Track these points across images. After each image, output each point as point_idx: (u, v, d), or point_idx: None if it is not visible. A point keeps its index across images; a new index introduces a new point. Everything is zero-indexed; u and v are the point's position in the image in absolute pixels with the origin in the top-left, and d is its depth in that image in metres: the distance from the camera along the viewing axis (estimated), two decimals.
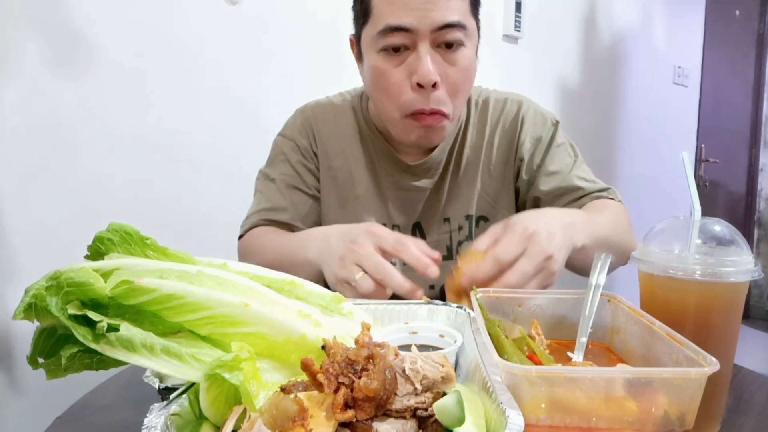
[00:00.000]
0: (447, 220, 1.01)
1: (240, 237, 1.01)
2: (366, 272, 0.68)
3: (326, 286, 0.98)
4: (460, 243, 1.01)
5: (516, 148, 1.00)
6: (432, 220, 1.01)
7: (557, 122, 1.02)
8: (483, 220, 1.02)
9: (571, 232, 0.74)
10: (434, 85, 0.84)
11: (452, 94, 0.87)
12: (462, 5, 0.84)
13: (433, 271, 0.70)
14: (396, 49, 0.84)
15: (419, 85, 0.84)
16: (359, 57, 0.93)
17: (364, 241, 0.71)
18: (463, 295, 0.68)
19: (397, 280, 0.68)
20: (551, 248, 0.68)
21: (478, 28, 0.91)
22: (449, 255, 1.01)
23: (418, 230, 1.02)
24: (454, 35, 0.83)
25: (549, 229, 0.70)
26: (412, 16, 0.81)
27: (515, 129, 1.00)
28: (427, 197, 1.01)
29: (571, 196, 0.96)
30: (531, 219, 0.71)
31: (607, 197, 0.95)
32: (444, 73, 0.85)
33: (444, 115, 0.88)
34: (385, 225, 1.00)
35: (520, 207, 1.03)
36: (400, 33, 0.82)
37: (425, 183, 1.00)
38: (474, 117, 1.02)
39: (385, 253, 0.70)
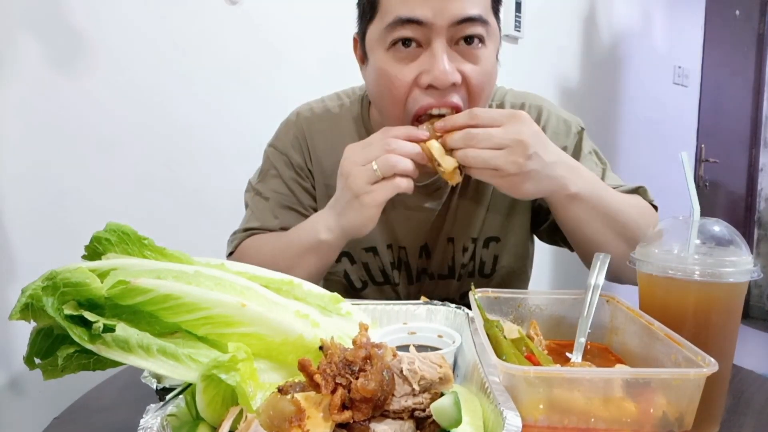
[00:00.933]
0: (451, 240, 0.94)
1: (229, 254, 0.94)
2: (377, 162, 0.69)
3: (346, 286, 0.96)
4: (463, 266, 0.95)
5: None
6: (437, 241, 0.95)
7: (582, 129, 0.94)
8: (494, 241, 0.95)
9: (571, 174, 0.71)
10: (452, 86, 0.74)
11: (472, 96, 0.76)
12: (483, 1, 0.75)
13: (423, 132, 0.71)
14: (406, 43, 0.74)
15: (432, 86, 0.74)
16: (363, 58, 0.84)
17: (351, 158, 0.71)
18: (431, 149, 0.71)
19: (401, 143, 0.70)
20: (534, 142, 0.68)
21: (499, 29, 0.81)
22: (450, 274, 0.96)
23: (424, 252, 0.96)
24: (475, 29, 0.73)
25: (545, 140, 0.70)
26: (426, 7, 0.71)
27: None
28: (436, 217, 0.93)
29: None
30: (522, 113, 0.71)
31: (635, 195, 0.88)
32: (463, 72, 0.74)
33: (459, 109, 0.76)
34: (390, 246, 0.95)
35: (537, 225, 0.97)
36: (411, 26, 0.72)
37: (433, 204, 0.92)
38: None
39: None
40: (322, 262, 0.80)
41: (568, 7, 2.51)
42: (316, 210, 0.95)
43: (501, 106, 0.94)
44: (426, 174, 0.90)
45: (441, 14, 0.71)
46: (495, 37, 0.79)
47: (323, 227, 0.77)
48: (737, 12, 3.66)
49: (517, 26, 2.20)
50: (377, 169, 0.69)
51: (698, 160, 3.51)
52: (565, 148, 0.89)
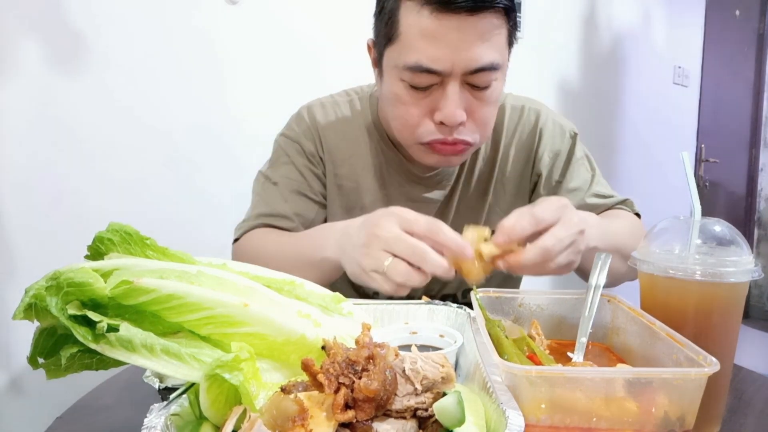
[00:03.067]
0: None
1: (235, 240, 0.95)
2: (397, 256, 0.61)
3: (347, 285, 0.94)
4: None
5: (533, 163, 0.97)
6: None
7: (576, 134, 0.98)
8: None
9: (589, 229, 0.70)
10: (460, 124, 0.79)
11: (479, 127, 0.82)
12: (499, 40, 0.78)
13: (470, 252, 0.62)
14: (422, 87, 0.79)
15: (442, 123, 0.78)
16: (377, 63, 0.86)
17: (389, 223, 0.63)
18: (481, 260, 0.63)
19: (435, 259, 0.61)
20: (583, 223, 0.66)
21: (510, 52, 0.85)
22: None
23: None
24: (487, 78, 0.77)
25: (577, 213, 0.68)
26: (444, 57, 0.74)
27: (533, 142, 0.96)
28: (438, 209, 0.97)
29: None
30: (560, 199, 0.68)
31: (622, 209, 0.93)
32: (471, 110, 0.79)
33: (467, 144, 0.82)
34: None
35: None
36: (429, 74, 0.76)
37: (436, 195, 0.96)
38: None
39: (413, 236, 0.63)
40: (324, 278, 0.78)
41: (568, 8, 2.51)
42: (325, 198, 0.97)
43: (502, 108, 0.98)
44: (428, 167, 0.93)
45: (458, 64, 0.74)
46: (506, 67, 0.83)
47: (333, 245, 0.73)
48: (737, 12, 3.66)
49: (518, 26, 2.20)
50: (387, 267, 0.62)
51: (698, 160, 3.51)
52: (559, 152, 0.96)
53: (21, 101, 1.11)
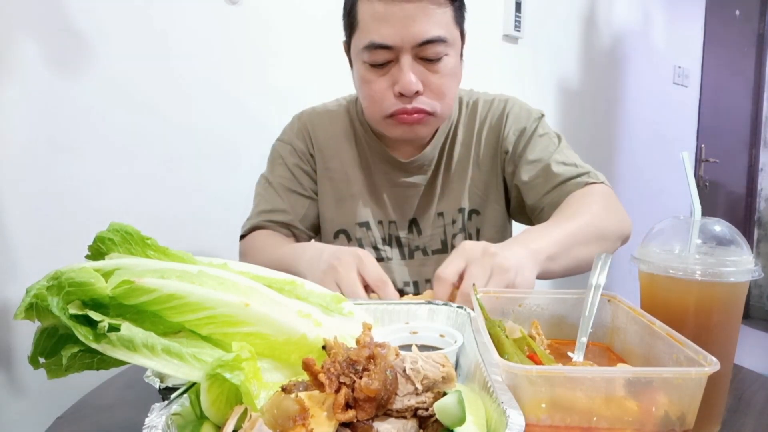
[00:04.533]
0: (441, 214, 1.05)
1: (242, 237, 1.05)
2: (342, 292, 0.69)
3: None
4: (454, 236, 1.05)
5: (501, 142, 1.03)
6: (427, 216, 1.05)
7: (542, 115, 1.05)
8: (475, 214, 1.05)
9: (535, 256, 0.75)
10: (416, 93, 0.89)
11: (437, 97, 0.91)
12: (444, 18, 0.87)
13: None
14: (381, 64, 0.89)
15: (401, 94, 0.89)
16: (350, 62, 0.97)
17: (348, 262, 0.74)
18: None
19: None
20: (474, 245, 0.71)
21: (463, 35, 0.94)
22: (444, 248, 1.05)
23: (414, 226, 1.05)
24: (435, 50, 0.87)
25: (487, 244, 0.73)
26: (394, 33, 0.85)
27: (501, 124, 1.04)
28: (422, 193, 1.04)
29: (550, 184, 0.96)
30: (463, 245, 0.73)
31: (588, 182, 0.94)
32: (426, 81, 0.89)
33: (427, 113, 0.91)
34: (381, 222, 1.04)
35: (507, 198, 1.07)
36: (383, 50, 0.87)
37: (419, 179, 1.04)
38: (464, 117, 1.06)
39: (364, 285, 0.73)
40: None
41: (568, 7, 2.51)
42: (315, 192, 1.08)
43: (476, 102, 1.07)
44: (408, 152, 1.03)
45: (406, 38, 0.86)
46: (457, 45, 0.92)
47: (304, 261, 0.82)
48: (737, 12, 3.66)
49: (517, 26, 2.20)
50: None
51: (698, 160, 3.51)
52: (524, 129, 1.02)
53: (21, 101, 1.11)
